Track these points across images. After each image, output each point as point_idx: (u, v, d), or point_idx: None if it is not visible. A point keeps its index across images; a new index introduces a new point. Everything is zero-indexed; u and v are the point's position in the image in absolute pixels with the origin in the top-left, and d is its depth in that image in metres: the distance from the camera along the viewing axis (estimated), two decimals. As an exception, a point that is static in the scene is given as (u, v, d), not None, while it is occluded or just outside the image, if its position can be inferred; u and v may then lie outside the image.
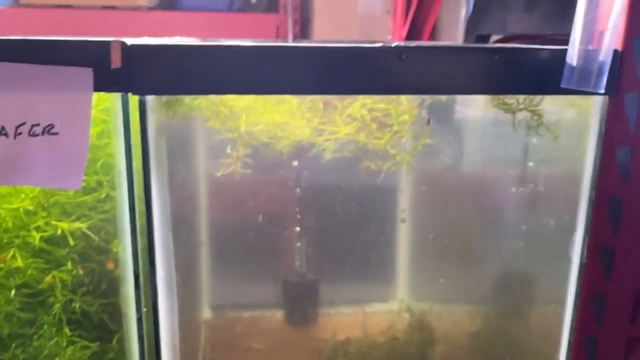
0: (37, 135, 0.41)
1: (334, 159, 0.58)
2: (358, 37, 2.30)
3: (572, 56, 0.44)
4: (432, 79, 0.46)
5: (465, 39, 1.31)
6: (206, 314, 0.65)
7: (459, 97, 0.54)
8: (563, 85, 0.45)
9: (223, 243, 0.62)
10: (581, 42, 0.43)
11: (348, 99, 0.55)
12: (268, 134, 0.56)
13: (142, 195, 0.48)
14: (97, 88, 0.42)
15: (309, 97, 0.54)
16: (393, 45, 0.45)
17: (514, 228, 0.62)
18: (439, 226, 0.63)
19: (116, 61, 0.42)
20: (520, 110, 0.50)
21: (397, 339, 0.64)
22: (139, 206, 0.49)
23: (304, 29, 2.81)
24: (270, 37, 2.66)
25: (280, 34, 2.71)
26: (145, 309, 0.51)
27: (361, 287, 0.66)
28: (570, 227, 0.56)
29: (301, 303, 0.65)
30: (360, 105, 0.56)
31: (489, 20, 1.22)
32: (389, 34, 2.09)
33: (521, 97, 0.51)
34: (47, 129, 0.41)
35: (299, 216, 0.60)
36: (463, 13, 1.47)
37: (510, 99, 0.51)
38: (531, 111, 0.50)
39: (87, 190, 0.50)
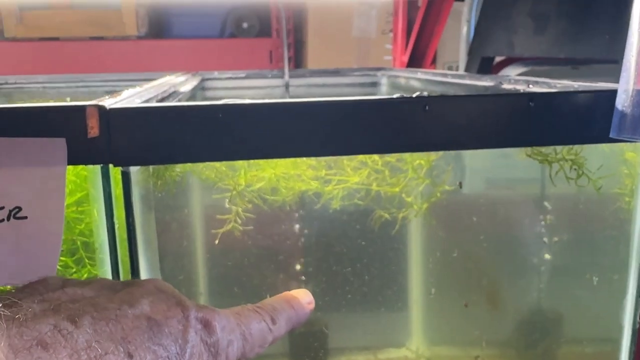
0: (2, 221, 0.35)
1: (343, 205, 0.53)
2: (354, 59, 2.26)
3: (624, 101, 0.38)
4: (461, 132, 0.39)
5: (469, 62, 1.26)
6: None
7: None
8: (613, 135, 0.39)
9: (222, 293, 0.57)
10: (636, 84, 0.37)
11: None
12: (270, 188, 0.52)
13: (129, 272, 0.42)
14: (72, 161, 0.36)
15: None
16: (415, 95, 0.39)
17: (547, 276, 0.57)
18: (467, 287, 0.57)
19: (93, 129, 0.36)
20: (559, 160, 0.44)
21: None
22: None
23: (297, 53, 2.76)
24: (263, 62, 2.62)
25: (273, 58, 2.66)
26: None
27: (373, 332, 0.60)
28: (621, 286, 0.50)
29: (308, 352, 0.59)
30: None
31: (495, 42, 1.16)
32: (385, 54, 2.03)
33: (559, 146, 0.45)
34: (13, 212, 0.35)
35: (304, 259, 0.56)
36: (464, 32, 1.42)
37: (547, 148, 0.45)
38: (571, 161, 0.44)
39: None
